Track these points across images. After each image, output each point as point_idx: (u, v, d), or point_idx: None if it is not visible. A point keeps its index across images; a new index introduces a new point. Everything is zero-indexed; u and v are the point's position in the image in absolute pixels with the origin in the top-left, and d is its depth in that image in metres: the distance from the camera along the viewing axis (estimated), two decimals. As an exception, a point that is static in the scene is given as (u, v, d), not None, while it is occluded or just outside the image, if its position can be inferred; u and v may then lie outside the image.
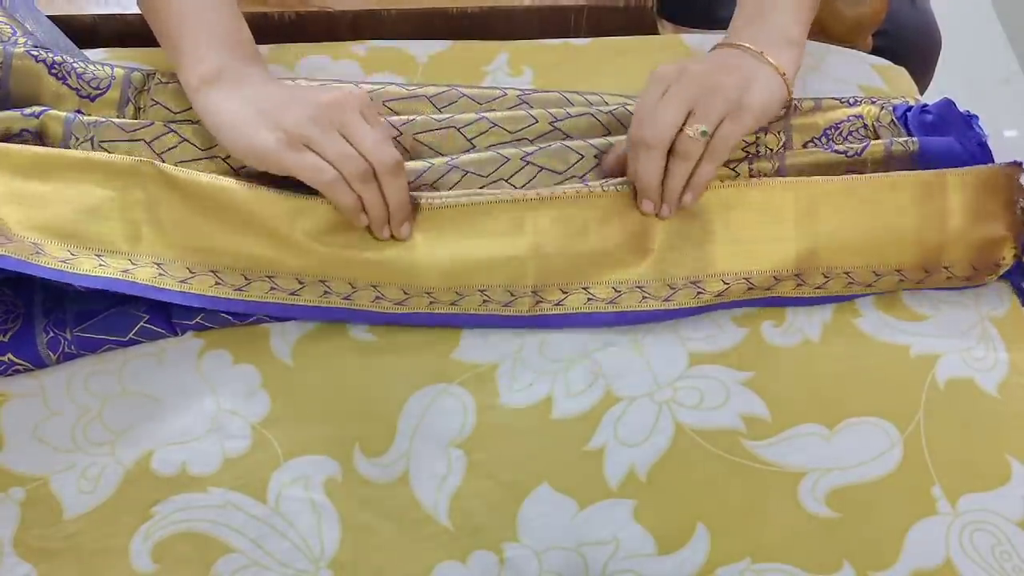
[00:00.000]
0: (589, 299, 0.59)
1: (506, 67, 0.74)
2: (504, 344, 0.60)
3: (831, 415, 0.57)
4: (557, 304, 0.59)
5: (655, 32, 0.81)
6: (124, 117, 0.64)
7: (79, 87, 0.63)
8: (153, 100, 0.65)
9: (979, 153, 0.63)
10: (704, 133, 0.57)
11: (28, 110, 0.61)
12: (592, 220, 0.60)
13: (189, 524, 0.54)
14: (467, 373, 0.59)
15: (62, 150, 0.60)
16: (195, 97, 0.60)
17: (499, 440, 0.56)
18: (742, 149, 0.64)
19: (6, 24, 0.65)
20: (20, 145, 0.59)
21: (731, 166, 0.63)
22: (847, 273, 0.61)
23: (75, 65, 0.64)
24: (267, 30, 0.77)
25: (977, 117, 0.65)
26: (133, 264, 0.57)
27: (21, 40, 0.64)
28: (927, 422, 0.57)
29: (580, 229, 0.60)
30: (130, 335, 0.59)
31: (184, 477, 0.55)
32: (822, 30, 0.77)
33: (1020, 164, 0.61)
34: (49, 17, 0.73)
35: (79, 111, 0.63)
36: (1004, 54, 1.56)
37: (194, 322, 0.59)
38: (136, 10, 0.76)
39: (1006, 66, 1.54)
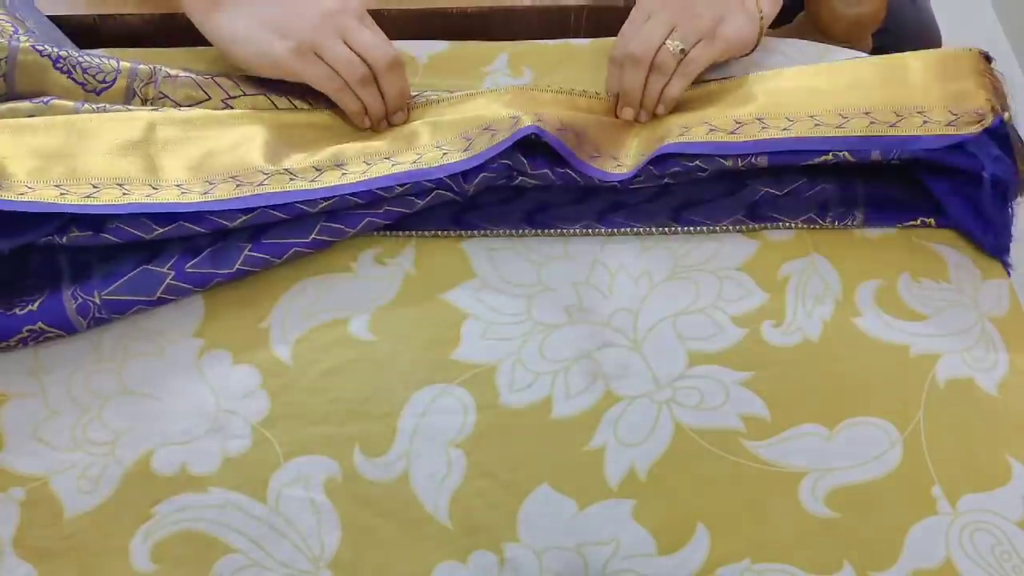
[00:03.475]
0: (579, 144, 0.64)
1: (506, 67, 0.74)
2: (504, 344, 0.60)
3: (831, 415, 0.57)
4: (557, 131, 0.63)
5: (655, 32, 0.81)
6: (130, 108, 0.65)
7: (84, 81, 0.64)
8: (160, 93, 0.65)
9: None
10: (682, 51, 0.66)
11: (36, 99, 0.62)
12: (581, 111, 0.67)
13: (189, 524, 0.54)
14: (467, 373, 0.59)
15: (69, 116, 0.62)
16: (204, 21, 0.66)
17: (499, 440, 0.56)
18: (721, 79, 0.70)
19: (8, 22, 0.65)
20: (23, 118, 0.61)
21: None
22: (811, 116, 0.63)
23: (80, 59, 0.64)
24: (267, 30, 0.77)
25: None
26: (154, 189, 0.59)
27: (24, 37, 0.64)
28: (927, 422, 0.57)
29: (571, 114, 0.66)
30: (158, 294, 0.59)
31: (184, 477, 0.55)
32: (822, 30, 0.76)
33: (982, 51, 0.64)
34: (49, 17, 0.73)
35: (86, 103, 0.63)
36: (1004, 54, 1.56)
37: (205, 270, 0.60)
38: (136, 11, 0.77)
39: (1006, 66, 1.54)
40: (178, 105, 0.66)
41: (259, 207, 0.59)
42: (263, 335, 0.60)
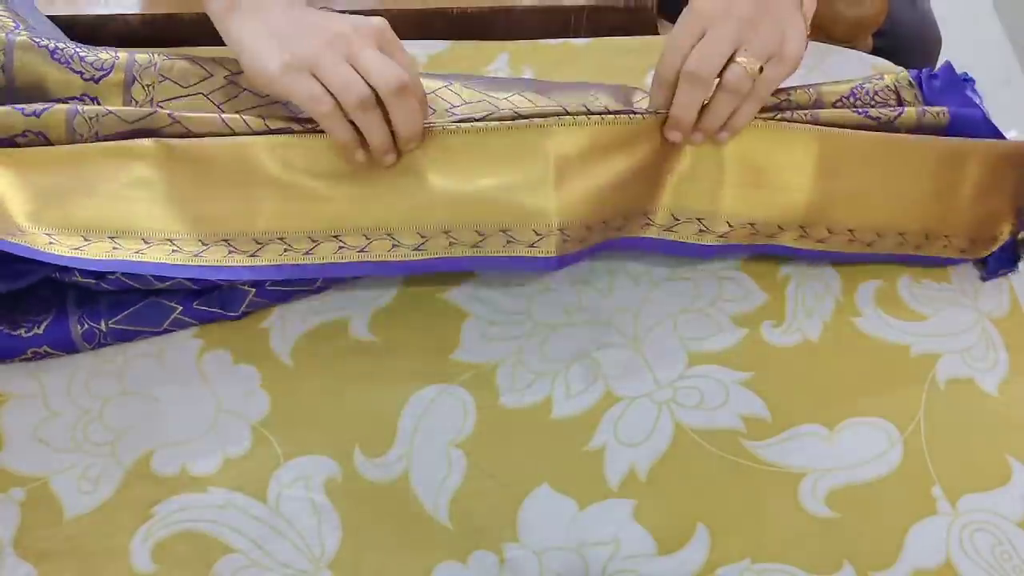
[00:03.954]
0: (605, 230, 0.59)
1: (506, 67, 0.74)
2: (504, 344, 0.60)
3: (831, 415, 0.57)
4: (581, 242, 0.58)
5: (655, 32, 0.81)
6: (132, 97, 0.64)
7: (82, 70, 0.63)
8: (161, 76, 0.64)
9: (988, 123, 0.63)
10: (761, 69, 0.56)
11: (28, 108, 0.61)
12: (614, 146, 0.58)
13: (189, 524, 0.54)
14: (467, 373, 0.59)
15: (70, 146, 0.59)
16: (219, 23, 0.60)
17: (499, 440, 0.56)
18: (774, 105, 0.63)
19: (8, 18, 0.65)
20: (30, 148, 0.59)
21: (765, 116, 0.61)
22: (850, 230, 0.61)
23: (78, 49, 0.64)
24: (267, 30, 0.77)
25: (973, 80, 0.66)
26: (146, 243, 0.57)
27: (23, 32, 0.64)
28: (927, 422, 0.57)
29: (602, 155, 0.58)
30: (164, 325, 0.59)
31: (184, 477, 0.55)
32: (822, 30, 0.76)
33: None
34: (49, 17, 0.73)
35: (83, 97, 0.63)
36: (1004, 54, 1.56)
37: (212, 309, 0.59)
38: (137, 10, 0.77)
39: (1006, 67, 1.54)
40: (178, 85, 0.64)
41: (249, 279, 0.58)
42: (263, 335, 0.60)
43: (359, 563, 0.53)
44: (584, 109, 0.57)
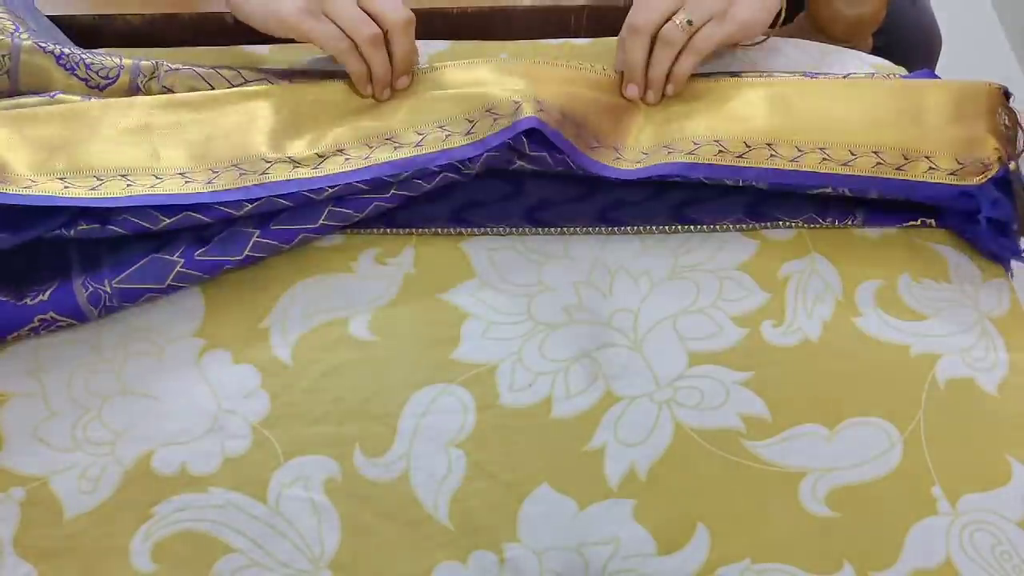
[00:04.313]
0: (578, 135, 0.63)
1: (506, 67, 0.74)
2: (504, 344, 0.60)
3: (831, 415, 0.57)
4: (557, 124, 0.62)
5: (655, 32, 0.81)
6: None
7: (87, 77, 0.64)
8: (164, 87, 0.65)
9: None
10: (689, 23, 0.64)
11: (43, 93, 0.62)
12: (582, 84, 0.66)
13: (189, 524, 0.54)
14: (467, 373, 0.59)
15: (67, 104, 0.61)
16: None
17: (499, 440, 0.56)
18: (728, 73, 0.69)
19: (8, 20, 0.65)
20: (26, 109, 0.61)
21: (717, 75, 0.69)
22: (821, 148, 0.62)
23: (83, 56, 0.64)
24: (267, 30, 0.77)
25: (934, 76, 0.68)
26: (158, 179, 0.59)
27: (25, 35, 0.64)
28: (927, 422, 0.57)
29: (572, 86, 0.65)
30: (168, 281, 0.59)
31: (184, 477, 0.55)
32: (822, 30, 0.76)
33: (1002, 87, 0.63)
34: (49, 17, 0.73)
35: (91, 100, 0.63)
36: (1004, 54, 1.56)
37: (215, 257, 0.60)
38: (137, 10, 0.77)
39: (1006, 66, 1.54)
40: None
41: (263, 197, 0.59)
42: (263, 335, 0.60)
43: (359, 563, 0.53)
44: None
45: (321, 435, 0.57)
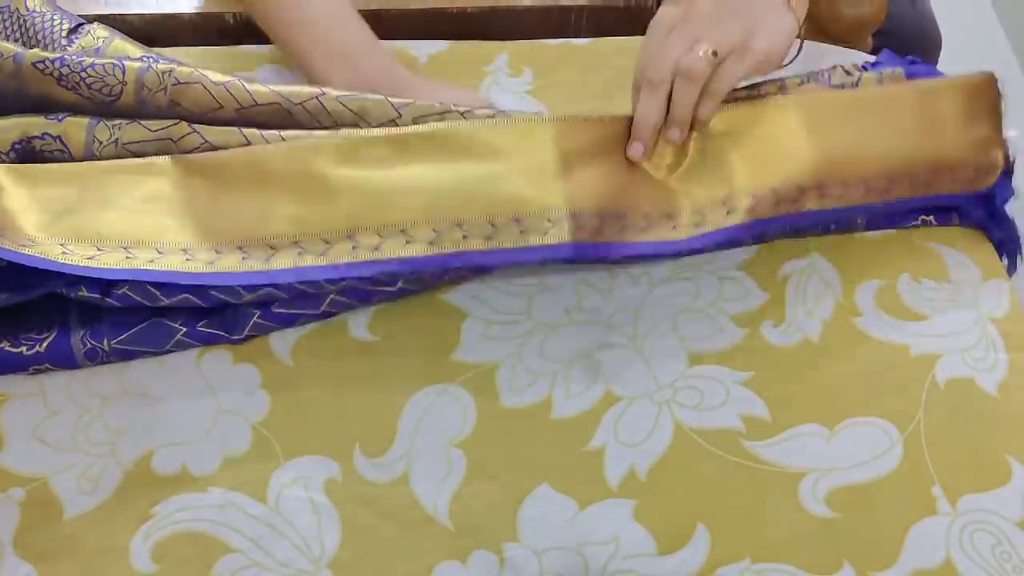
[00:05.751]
0: (623, 227, 0.58)
1: (506, 67, 0.74)
2: (504, 344, 0.60)
3: (831, 415, 0.57)
4: (595, 232, 0.58)
5: (655, 32, 0.81)
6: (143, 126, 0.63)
7: (91, 96, 0.61)
8: (172, 101, 0.61)
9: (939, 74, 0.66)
10: (714, 54, 0.56)
11: (52, 115, 0.60)
12: (614, 142, 0.59)
13: (189, 524, 0.54)
14: (467, 373, 0.59)
15: (83, 163, 0.59)
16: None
17: (499, 440, 0.56)
18: (743, 89, 0.64)
19: (10, 43, 0.64)
20: (41, 164, 0.59)
21: (738, 96, 0.63)
22: (864, 180, 0.61)
23: (84, 73, 0.61)
24: (268, 30, 0.77)
25: (919, 60, 0.68)
26: (160, 253, 0.57)
27: (28, 57, 0.62)
28: (927, 422, 0.57)
29: (604, 150, 0.59)
30: (168, 347, 0.59)
31: (184, 477, 0.55)
32: (822, 30, 0.76)
33: (996, 77, 0.64)
34: (49, 17, 0.73)
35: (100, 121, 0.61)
36: (1004, 54, 1.56)
37: (215, 331, 0.59)
38: (137, 10, 0.76)
39: (1006, 66, 1.54)
40: (191, 113, 0.61)
41: (263, 286, 0.57)
42: (263, 335, 0.60)
43: (359, 563, 0.53)
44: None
45: (321, 435, 0.56)
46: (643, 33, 0.78)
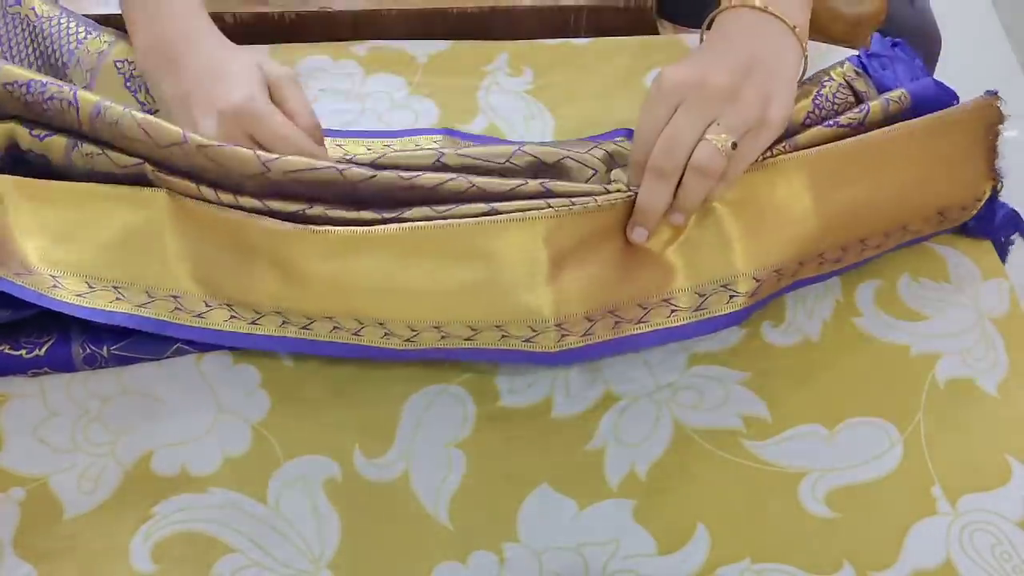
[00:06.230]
0: (617, 323, 0.56)
1: (506, 67, 0.74)
2: (504, 344, 0.60)
3: (831, 415, 0.57)
4: (584, 335, 0.56)
5: (655, 32, 0.81)
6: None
7: (79, 107, 0.59)
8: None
9: (940, 86, 0.63)
10: (734, 145, 0.51)
11: (35, 130, 0.60)
12: (606, 229, 0.56)
13: (189, 524, 0.54)
14: (467, 373, 0.59)
15: (84, 184, 0.59)
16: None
17: (499, 440, 0.56)
18: None
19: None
20: (42, 180, 0.59)
21: None
22: (862, 240, 0.61)
23: (44, 107, 0.58)
24: (267, 30, 0.77)
25: (903, 43, 0.66)
26: (150, 298, 0.57)
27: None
28: (927, 422, 0.57)
29: (595, 240, 0.56)
30: (167, 355, 0.59)
31: (184, 477, 0.55)
32: (821, 29, 0.76)
33: (995, 92, 0.61)
34: (49, 17, 0.73)
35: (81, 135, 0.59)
36: (1004, 54, 1.56)
37: (214, 341, 0.58)
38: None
39: (1006, 66, 1.54)
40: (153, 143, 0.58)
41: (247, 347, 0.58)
42: (263, 335, 0.60)
43: (359, 563, 0.53)
44: (568, 199, 0.54)
45: (321, 435, 0.57)
46: (643, 33, 0.79)
